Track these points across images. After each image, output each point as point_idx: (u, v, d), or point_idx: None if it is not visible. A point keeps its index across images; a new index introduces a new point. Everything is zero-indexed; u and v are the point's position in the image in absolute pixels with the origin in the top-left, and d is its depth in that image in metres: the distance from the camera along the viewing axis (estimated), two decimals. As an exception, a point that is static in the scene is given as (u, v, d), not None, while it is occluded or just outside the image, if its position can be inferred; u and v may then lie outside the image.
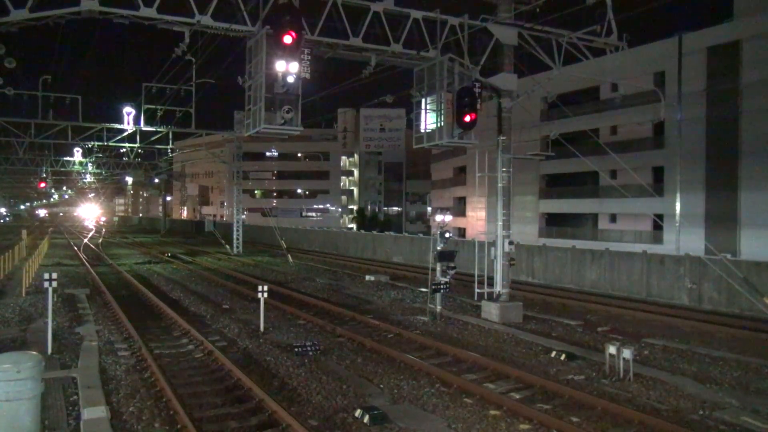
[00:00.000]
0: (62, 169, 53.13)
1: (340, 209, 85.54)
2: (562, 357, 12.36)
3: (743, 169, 31.66)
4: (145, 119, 32.61)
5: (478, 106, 15.28)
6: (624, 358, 10.91)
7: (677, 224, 31.63)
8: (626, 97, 36.80)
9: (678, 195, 33.13)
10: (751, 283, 15.25)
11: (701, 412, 9.22)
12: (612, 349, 11.19)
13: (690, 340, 14.33)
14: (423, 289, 21.01)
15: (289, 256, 33.70)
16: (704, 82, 33.29)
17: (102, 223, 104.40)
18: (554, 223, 46.08)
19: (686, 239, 29.74)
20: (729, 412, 9.17)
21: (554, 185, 45.95)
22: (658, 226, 34.40)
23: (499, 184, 16.94)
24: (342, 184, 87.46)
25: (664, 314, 17.50)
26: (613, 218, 41.53)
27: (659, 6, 15.64)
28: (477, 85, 15.49)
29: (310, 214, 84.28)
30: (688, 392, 10.12)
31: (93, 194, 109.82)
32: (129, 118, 33.10)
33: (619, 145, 35.74)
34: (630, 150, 35.73)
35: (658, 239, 35.08)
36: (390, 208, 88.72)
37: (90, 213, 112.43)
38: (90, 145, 41.60)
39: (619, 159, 21.81)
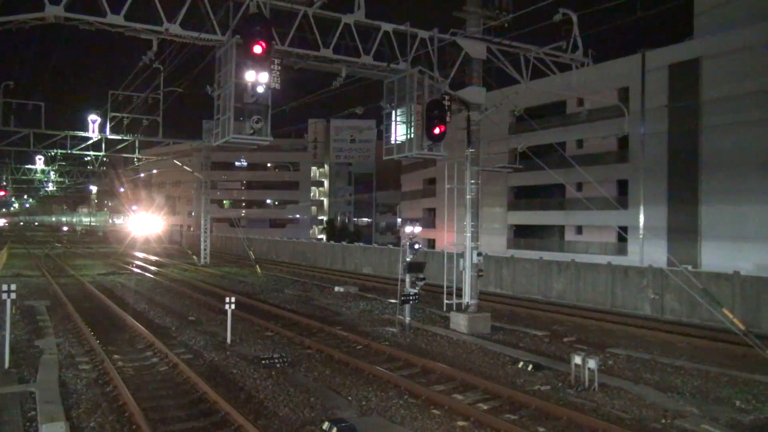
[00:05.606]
0: (23, 177, 51.68)
1: (309, 220, 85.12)
2: (529, 367, 12.49)
3: (703, 183, 32.58)
4: (110, 127, 31.99)
5: (448, 119, 15.47)
6: (589, 368, 11.09)
7: (641, 236, 32.36)
8: (592, 111, 37.66)
9: (641, 208, 33.93)
10: (711, 294, 15.66)
11: (663, 421, 9.42)
12: (577, 360, 11.36)
13: (653, 349, 14.64)
14: (392, 300, 21.02)
15: (257, 267, 33.35)
16: (666, 98, 34.23)
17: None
18: (522, 234, 46.64)
19: (650, 251, 30.40)
20: (690, 420, 9.39)
21: (522, 197, 46.56)
22: (622, 238, 35.12)
23: (468, 196, 17.12)
24: (312, 194, 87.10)
25: (628, 324, 17.86)
26: (579, 230, 42.23)
27: (623, 23, 16.13)
28: (446, 97, 15.69)
29: (279, 224, 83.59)
30: (651, 401, 10.32)
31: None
32: (94, 126, 32.41)
33: (585, 158, 36.38)
34: (596, 163, 36.44)
35: (622, 251, 35.79)
36: (360, 219, 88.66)
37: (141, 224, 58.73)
38: (53, 153, 40.61)
39: (584, 172, 22.24)
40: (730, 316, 12.91)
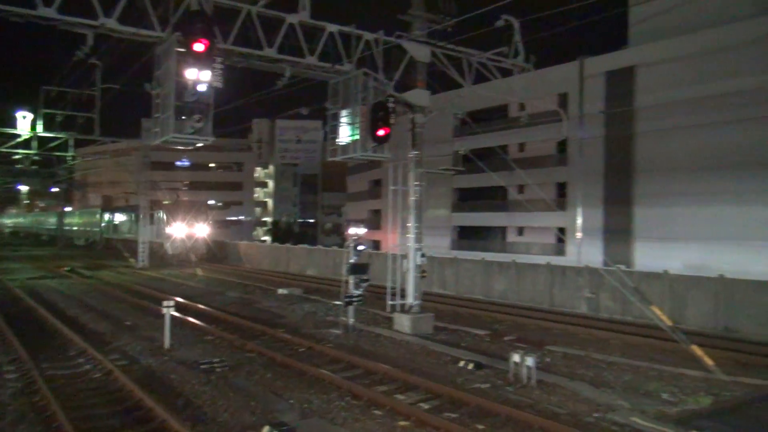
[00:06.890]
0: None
1: (253, 221, 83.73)
2: (470, 366, 12.71)
3: (636, 186, 34.01)
4: (43, 125, 30.54)
5: (392, 121, 15.56)
6: (527, 366, 11.40)
7: (578, 237, 33.47)
8: (533, 115, 38.52)
9: (579, 210, 35.11)
10: (641, 293, 16.35)
11: (596, 415, 9.78)
12: (516, 358, 11.65)
13: (588, 346, 15.16)
14: (336, 302, 20.93)
15: (197, 269, 32.58)
16: (603, 104, 35.54)
17: None
18: (466, 235, 47.39)
19: (587, 251, 31.40)
20: (620, 414, 9.78)
21: (466, 199, 47.31)
22: (561, 239, 36.22)
23: (412, 198, 17.27)
24: (256, 195, 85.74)
25: (565, 323, 18.44)
26: (520, 231, 43.28)
27: (563, 31, 16.71)
28: (391, 100, 15.78)
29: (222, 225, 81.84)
30: (585, 396, 10.70)
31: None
32: (24, 123, 30.87)
33: (526, 161, 37.37)
34: (536, 166, 37.47)
35: (561, 251, 36.87)
36: (305, 220, 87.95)
37: None
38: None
39: (525, 175, 22.88)
40: (659, 313, 13.51)
